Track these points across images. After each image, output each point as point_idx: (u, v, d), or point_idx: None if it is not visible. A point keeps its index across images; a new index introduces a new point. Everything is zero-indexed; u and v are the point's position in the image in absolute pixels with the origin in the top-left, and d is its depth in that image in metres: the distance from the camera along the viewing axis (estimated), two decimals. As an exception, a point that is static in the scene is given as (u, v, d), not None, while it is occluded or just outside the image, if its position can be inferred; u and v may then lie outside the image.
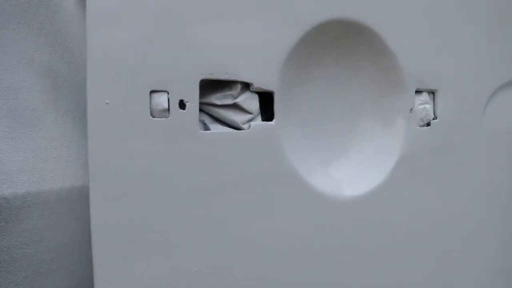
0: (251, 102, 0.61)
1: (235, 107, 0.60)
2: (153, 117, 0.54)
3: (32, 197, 0.58)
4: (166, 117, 0.54)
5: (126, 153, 0.52)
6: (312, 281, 0.67)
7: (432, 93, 0.79)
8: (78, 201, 0.64)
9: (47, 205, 0.60)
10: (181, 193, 0.56)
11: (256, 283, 0.63)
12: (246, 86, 0.60)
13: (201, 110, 0.60)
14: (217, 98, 0.59)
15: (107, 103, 0.51)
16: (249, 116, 0.61)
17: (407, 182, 0.76)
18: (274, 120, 0.62)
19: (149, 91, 0.53)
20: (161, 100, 0.53)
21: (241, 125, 0.60)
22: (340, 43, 0.71)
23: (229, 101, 0.59)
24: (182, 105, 0.55)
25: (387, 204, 0.74)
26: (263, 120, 0.62)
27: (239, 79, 0.59)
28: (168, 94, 0.54)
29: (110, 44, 0.51)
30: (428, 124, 0.78)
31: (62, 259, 0.61)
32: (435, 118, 0.79)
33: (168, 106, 0.54)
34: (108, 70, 0.51)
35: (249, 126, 0.60)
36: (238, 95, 0.60)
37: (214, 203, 0.58)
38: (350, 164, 0.74)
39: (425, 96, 0.77)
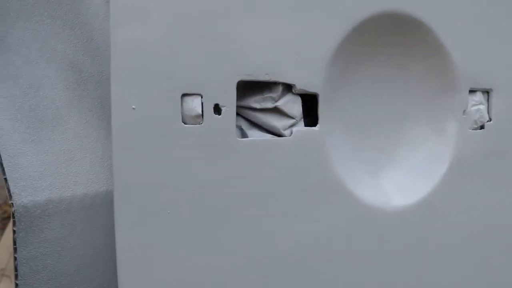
0: (294, 106, 0.54)
1: (276, 111, 0.53)
2: (185, 123, 0.48)
3: (54, 204, 0.54)
4: (199, 124, 0.48)
5: (154, 163, 0.47)
6: None
7: (486, 92, 0.71)
8: (103, 207, 0.60)
9: (69, 212, 0.56)
10: (216, 207, 0.50)
11: None
12: (288, 88, 0.54)
13: (237, 114, 0.54)
14: (256, 101, 0.53)
15: (133, 108, 0.45)
16: (291, 121, 0.54)
17: (459, 190, 0.69)
18: (318, 125, 0.55)
19: (180, 94, 0.47)
20: (194, 105, 0.48)
21: (282, 131, 0.54)
22: (389, 40, 0.63)
23: (269, 105, 0.53)
24: (217, 109, 0.49)
25: (438, 214, 0.67)
26: (305, 126, 0.56)
27: (281, 80, 0.52)
28: (202, 97, 0.48)
29: (136, 43, 0.45)
30: (482, 127, 0.71)
31: (86, 270, 0.57)
32: (489, 120, 0.72)
33: (202, 111, 0.48)
34: (134, 71, 0.45)
35: (291, 132, 0.54)
36: (279, 98, 0.53)
37: (253, 216, 0.52)
38: (398, 172, 0.67)
39: (479, 96, 0.70)
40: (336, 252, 0.59)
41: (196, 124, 0.48)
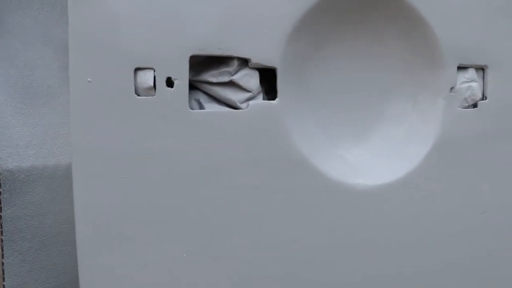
0: (250, 80, 0.56)
1: (232, 84, 0.56)
2: (138, 95, 0.51)
3: (38, 171, 0.60)
4: (152, 96, 0.52)
5: (109, 133, 0.51)
6: (317, 277, 0.62)
7: (481, 69, 0.68)
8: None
9: (53, 179, 0.62)
10: (167, 176, 0.53)
11: (257, 276, 0.59)
12: (245, 62, 0.55)
13: (197, 88, 0.56)
14: (212, 75, 0.55)
15: (89, 81, 0.50)
16: (247, 95, 0.56)
17: (445, 172, 0.66)
18: (277, 99, 0.57)
19: (133, 68, 0.51)
20: (146, 78, 0.51)
21: (238, 104, 0.56)
22: (363, 13, 0.63)
23: (226, 79, 0.55)
24: (170, 82, 0.52)
25: (418, 196, 0.65)
26: (269, 99, 0.57)
27: (235, 55, 0.54)
28: (154, 71, 0.51)
29: (91, 20, 0.49)
30: (475, 106, 0.67)
31: (69, 234, 0.63)
32: (484, 98, 0.68)
33: (154, 84, 0.51)
34: (90, 47, 0.49)
35: (248, 106, 0.56)
36: (236, 72, 0.55)
37: (205, 188, 0.55)
38: (374, 151, 0.67)
39: (471, 73, 0.67)
40: (297, 228, 0.60)
41: (149, 96, 0.52)
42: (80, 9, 0.49)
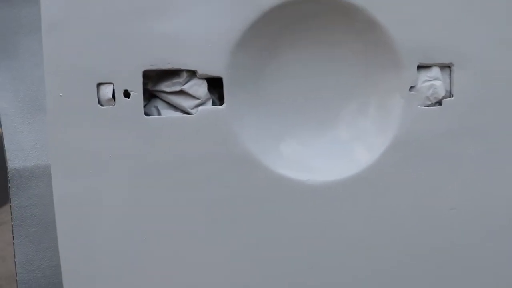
0: (198, 89, 0.64)
1: (183, 93, 0.64)
2: (102, 105, 0.62)
3: (40, 169, 0.74)
4: (112, 106, 0.62)
5: (79, 136, 0.62)
6: (261, 272, 0.69)
7: (448, 67, 0.69)
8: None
9: (53, 176, 0.74)
10: (128, 173, 0.64)
11: (200, 263, 0.68)
12: (194, 73, 0.64)
13: (156, 96, 0.66)
14: (167, 86, 0.65)
15: (60, 95, 0.61)
16: (197, 101, 0.64)
17: (402, 171, 0.69)
18: (224, 104, 0.64)
19: (96, 83, 0.61)
20: (106, 91, 0.62)
21: (189, 110, 0.65)
22: (318, 18, 0.68)
23: (177, 88, 0.64)
24: (126, 94, 0.62)
25: (370, 193, 0.69)
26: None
27: (183, 68, 0.63)
28: (113, 85, 0.62)
29: (61, 46, 0.60)
30: (440, 104, 0.69)
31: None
32: (451, 96, 0.70)
33: (114, 95, 0.62)
34: (61, 67, 0.61)
35: (197, 111, 0.64)
36: (186, 82, 0.64)
37: (161, 182, 0.64)
38: (327, 149, 0.72)
39: (435, 72, 0.68)
40: (245, 218, 0.67)
41: (110, 106, 0.62)
42: (51, 37, 0.60)
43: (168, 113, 0.66)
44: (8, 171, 0.71)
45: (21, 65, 0.78)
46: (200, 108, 0.64)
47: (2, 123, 0.73)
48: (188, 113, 0.65)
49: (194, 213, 0.66)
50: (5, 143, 0.72)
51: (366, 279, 0.72)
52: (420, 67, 0.68)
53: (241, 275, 0.69)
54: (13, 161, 0.72)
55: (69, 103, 0.61)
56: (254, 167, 0.66)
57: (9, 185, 0.71)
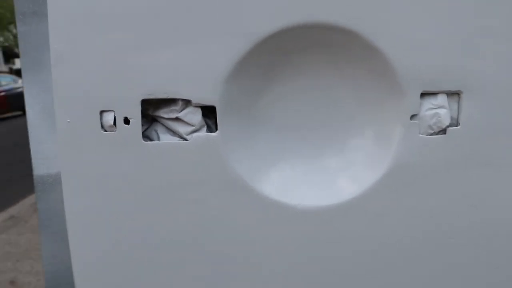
0: (193, 116, 0.67)
1: (179, 120, 0.68)
2: (105, 131, 0.67)
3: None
4: (114, 131, 0.67)
5: (85, 157, 0.69)
6: None
7: (457, 94, 0.67)
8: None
9: (74, 182, 0.82)
10: (126, 191, 0.69)
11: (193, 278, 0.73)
12: (189, 101, 0.67)
13: (155, 121, 0.70)
14: (164, 112, 0.69)
15: (68, 121, 0.67)
16: (191, 128, 0.68)
17: (396, 197, 0.69)
18: (217, 131, 0.67)
19: (99, 111, 0.67)
20: (108, 118, 0.67)
21: (185, 136, 0.68)
22: (317, 44, 0.67)
23: (174, 115, 0.68)
24: (126, 121, 0.67)
25: (363, 218, 0.70)
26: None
27: (178, 97, 0.66)
28: (114, 113, 0.67)
29: (68, 77, 0.66)
30: (444, 133, 0.68)
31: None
32: (457, 124, 0.68)
33: (115, 122, 0.67)
34: (68, 96, 0.67)
35: (192, 137, 0.68)
36: (181, 110, 0.67)
37: (156, 202, 0.70)
38: (321, 174, 0.73)
39: (441, 99, 0.67)
40: (234, 240, 0.71)
41: (111, 132, 0.67)
42: (61, 69, 0.66)
43: (166, 138, 0.70)
44: (34, 178, 0.80)
45: (48, 78, 0.85)
46: (194, 134, 0.68)
47: (29, 133, 0.81)
48: (184, 139, 0.69)
49: (186, 231, 0.71)
50: (31, 152, 0.81)
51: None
52: (425, 94, 0.66)
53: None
54: (38, 169, 0.81)
55: (76, 128, 0.68)
56: (245, 192, 0.69)
57: (35, 190, 0.81)
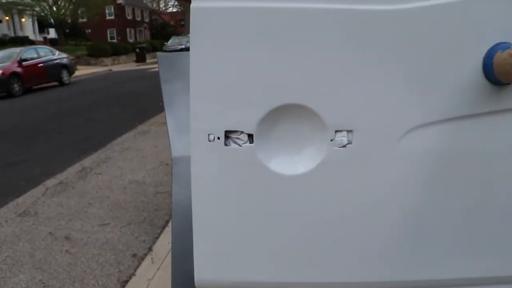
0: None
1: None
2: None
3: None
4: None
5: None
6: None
7: (351, 131, 1.00)
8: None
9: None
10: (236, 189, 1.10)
11: None
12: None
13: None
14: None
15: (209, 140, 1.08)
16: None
17: (328, 180, 1.02)
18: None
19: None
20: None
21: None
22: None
23: None
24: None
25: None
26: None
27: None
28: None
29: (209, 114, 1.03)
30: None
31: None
32: (351, 143, 1.00)
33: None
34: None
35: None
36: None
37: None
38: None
39: (344, 133, 1.00)
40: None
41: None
42: (201, 104, 1.07)
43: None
44: (171, 159, 1.21)
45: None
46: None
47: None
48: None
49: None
50: (171, 150, 1.22)
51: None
52: (337, 131, 0.99)
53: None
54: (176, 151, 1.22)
55: (214, 145, 1.07)
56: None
57: (172, 170, 1.22)
